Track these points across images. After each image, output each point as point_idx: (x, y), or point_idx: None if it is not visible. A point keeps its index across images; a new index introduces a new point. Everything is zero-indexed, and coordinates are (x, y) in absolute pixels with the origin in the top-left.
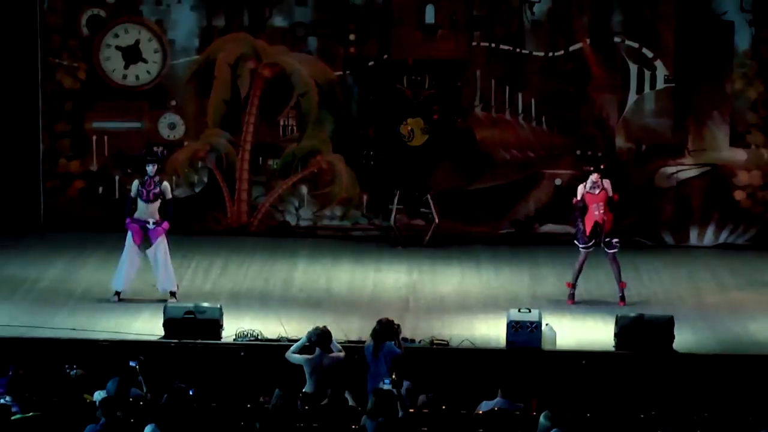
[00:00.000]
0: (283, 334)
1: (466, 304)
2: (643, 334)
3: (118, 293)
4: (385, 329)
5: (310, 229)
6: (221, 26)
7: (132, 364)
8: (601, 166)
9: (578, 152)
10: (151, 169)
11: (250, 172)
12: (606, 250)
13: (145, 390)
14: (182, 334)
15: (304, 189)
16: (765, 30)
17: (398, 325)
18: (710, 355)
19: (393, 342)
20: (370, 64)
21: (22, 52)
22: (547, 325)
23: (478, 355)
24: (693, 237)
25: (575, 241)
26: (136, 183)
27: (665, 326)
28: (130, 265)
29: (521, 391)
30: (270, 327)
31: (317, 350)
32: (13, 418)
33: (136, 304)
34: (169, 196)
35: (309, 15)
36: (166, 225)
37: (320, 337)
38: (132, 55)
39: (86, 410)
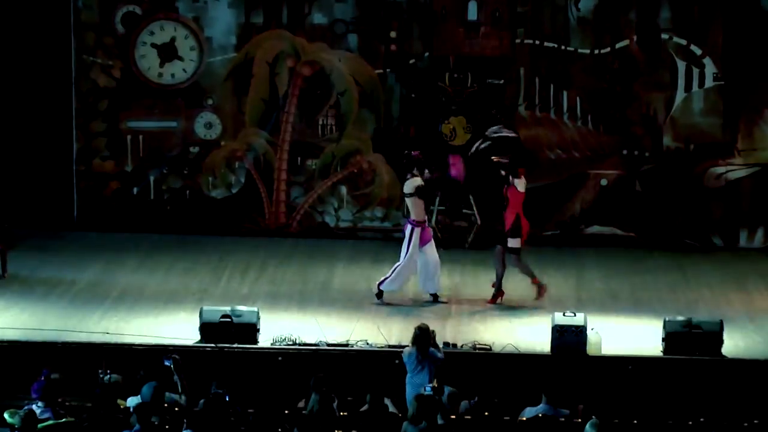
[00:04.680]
0: (322, 338)
1: (510, 307)
2: (692, 338)
3: (435, 295)
4: (425, 335)
5: (349, 230)
6: (259, 23)
7: (167, 363)
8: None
9: (625, 152)
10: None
11: (288, 172)
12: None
13: (180, 391)
14: (219, 339)
15: (343, 189)
16: None
17: (433, 331)
18: (761, 360)
19: (434, 348)
20: (412, 61)
21: (56, 50)
22: (592, 329)
23: (521, 360)
24: (743, 239)
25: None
26: (414, 180)
27: (714, 331)
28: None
29: (566, 397)
30: (308, 331)
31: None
32: (45, 424)
33: (172, 307)
34: None
35: (349, 12)
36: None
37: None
38: (168, 52)
39: (121, 416)
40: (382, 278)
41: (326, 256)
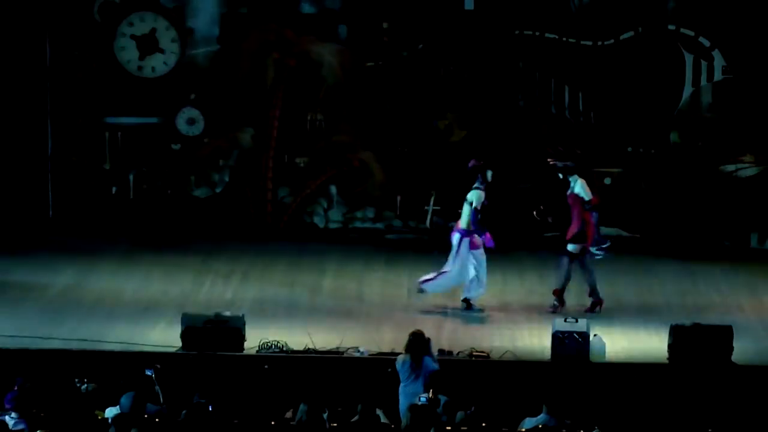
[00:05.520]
0: (311, 346)
1: (508, 312)
2: (700, 345)
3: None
4: (420, 342)
5: (339, 232)
6: (245, 13)
7: (148, 372)
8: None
9: (629, 149)
10: (490, 174)
11: (275, 170)
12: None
13: (162, 401)
14: (202, 345)
15: (333, 189)
16: None
17: (428, 339)
18: None
19: (429, 356)
20: (405, 54)
21: (31, 42)
22: (595, 335)
23: (521, 368)
24: (753, 240)
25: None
26: (481, 194)
27: (723, 336)
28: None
29: (568, 406)
30: (296, 338)
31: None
32: None
33: (153, 312)
34: None
35: (339, 1)
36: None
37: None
38: (148, 44)
39: (98, 428)
40: (425, 278)
41: (315, 258)
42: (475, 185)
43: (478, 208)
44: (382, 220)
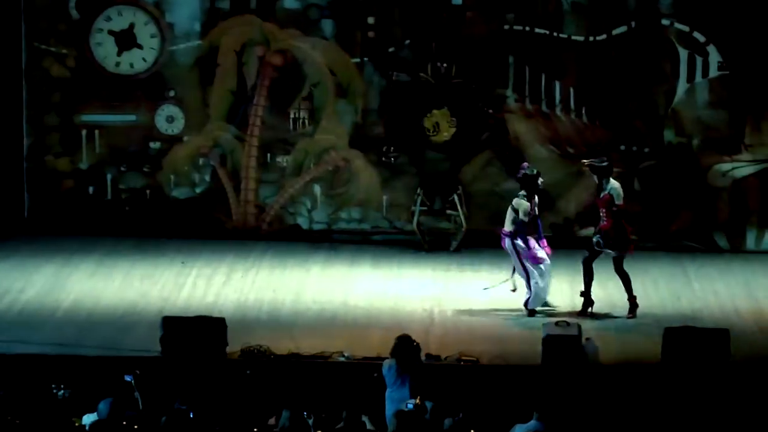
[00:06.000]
0: (294, 350)
1: (498, 315)
2: (695, 349)
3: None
4: (406, 346)
5: (324, 233)
6: (226, 8)
7: (127, 378)
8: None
9: (623, 147)
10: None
11: (257, 170)
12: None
13: (141, 408)
14: (183, 350)
15: (317, 189)
16: None
17: (417, 344)
18: None
19: (416, 361)
20: (391, 50)
21: (6, 37)
22: (588, 339)
23: (510, 373)
24: (750, 241)
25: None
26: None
27: (719, 340)
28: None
29: (560, 412)
30: (279, 342)
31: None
32: None
33: (131, 316)
34: None
35: None
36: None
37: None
38: (126, 40)
39: None
40: (526, 299)
41: (299, 260)
42: (521, 192)
43: (526, 220)
44: (367, 221)
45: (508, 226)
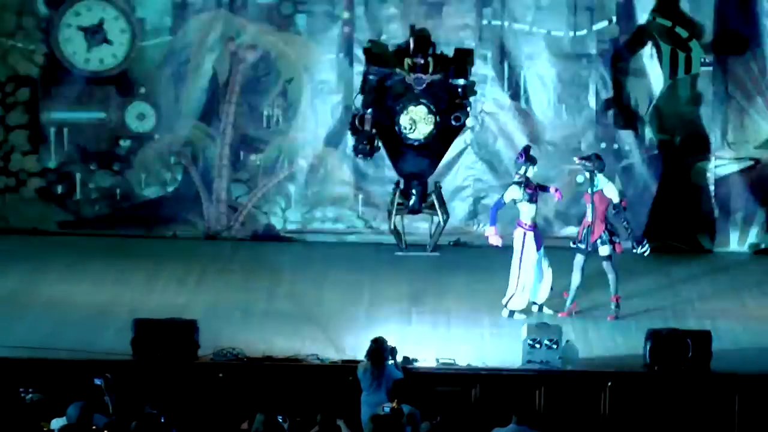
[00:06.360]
0: (268, 353)
1: (477, 317)
2: (678, 351)
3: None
4: (382, 349)
5: (298, 232)
6: (197, 3)
7: (97, 382)
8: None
9: (603, 145)
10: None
11: (230, 168)
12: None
13: (111, 412)
14: (154, 353)
15: (291, 188)
16: None
17: (394, 347)
18: (753, 375)
19: (392, 363)
20: (367, 45)
21: None
22: (568, 341)
23: (489, 376)
24: (734, 241)
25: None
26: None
27: (702, 342)
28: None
29: (539, 416)
30: (252, 344)
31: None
32: None
33: (102, 318)
34: None
35: None
36: None
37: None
38: (96, 36)
39: None
40: (507, 297)
41: (272, 260)
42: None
43: (504, 201)
44: (342, 221)
45: (523, 218)
